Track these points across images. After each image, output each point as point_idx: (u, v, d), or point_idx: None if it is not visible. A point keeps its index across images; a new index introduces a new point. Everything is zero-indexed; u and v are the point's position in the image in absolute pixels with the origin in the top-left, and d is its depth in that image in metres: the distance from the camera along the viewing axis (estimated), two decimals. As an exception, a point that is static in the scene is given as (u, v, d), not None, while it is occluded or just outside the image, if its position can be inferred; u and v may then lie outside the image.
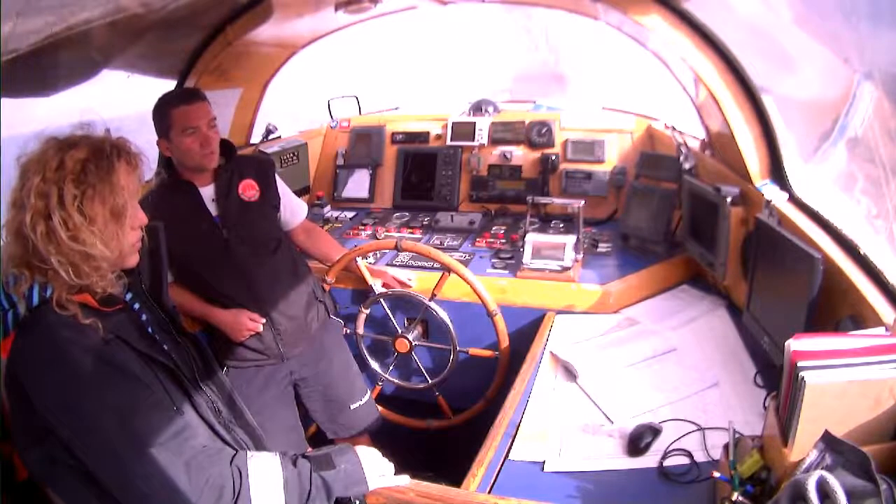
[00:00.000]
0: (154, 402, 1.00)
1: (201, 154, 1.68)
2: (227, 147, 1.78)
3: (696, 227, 1.98)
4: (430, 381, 2.13)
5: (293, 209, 1.99)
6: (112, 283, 1.03)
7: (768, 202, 1.62)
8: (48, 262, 0.95)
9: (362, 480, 1.11)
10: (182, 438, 0.98)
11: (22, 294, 0.96)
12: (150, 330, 1.12)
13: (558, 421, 1.45)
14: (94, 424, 0.94)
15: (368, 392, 2.07)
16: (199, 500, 0.95)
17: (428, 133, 2.87)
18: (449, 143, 2.79)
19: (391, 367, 2.19)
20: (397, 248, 2.06)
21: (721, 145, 1.98)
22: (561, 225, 2.41)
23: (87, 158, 0.98)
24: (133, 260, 1.09)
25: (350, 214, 2.78)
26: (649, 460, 1.29)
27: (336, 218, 2.74)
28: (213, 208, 1.75)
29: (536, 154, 2.66)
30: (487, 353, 2.00)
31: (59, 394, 0.94)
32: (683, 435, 1.34)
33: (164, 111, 1.66)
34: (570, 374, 1.63)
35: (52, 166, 0.96)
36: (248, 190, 1.80)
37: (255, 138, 2.76)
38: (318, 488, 1.05)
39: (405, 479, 1.18)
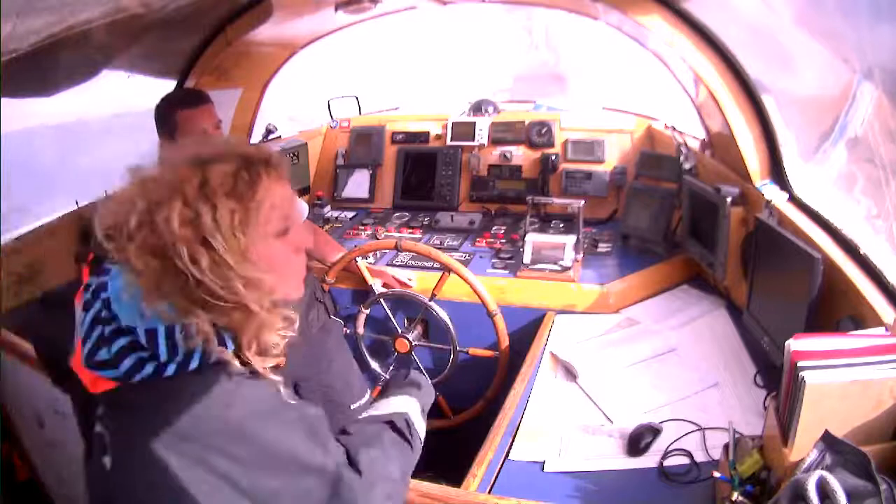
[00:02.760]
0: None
1: None
2: None
3: (696, 227, 1.98)
4: (430, 381, 2.13)
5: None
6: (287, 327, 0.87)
7: (768, 202, 1.62)
8: (224, 300, 0.78)
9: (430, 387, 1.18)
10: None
11: (193, 348, 0.79)
12: None
13: (558, 421, 1.45)
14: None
15: (368, 392, 2.07)
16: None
17: (428, 133, 2.86)
18: (449, 143, 2.78)
19: (391, 368, 2.19)
20: (397, 248, 2.06)
21: (721, 145, 1.98)
22: (561, 225, 2.41)
23: (235, 172, 0.80)
24: (299, 291, 0.91)
25: (350, 214, 2.78)
26: (649, 460, 1.29)
27: (336, 218, 2.74)
28: None
29: (536, 154, 2.66)
30: (487, 353, 2.00)
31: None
32: (683, 435, 1.34)
33: (169, 113, 1.65)
34: (570, 374, 1.63)
35: (195, 185, 0.78)
36: None
37: (255, 138, 2.77)
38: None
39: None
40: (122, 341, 0.80)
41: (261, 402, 0.83)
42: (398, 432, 1.02)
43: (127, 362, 0.79)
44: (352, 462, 0.89)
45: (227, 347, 0.81)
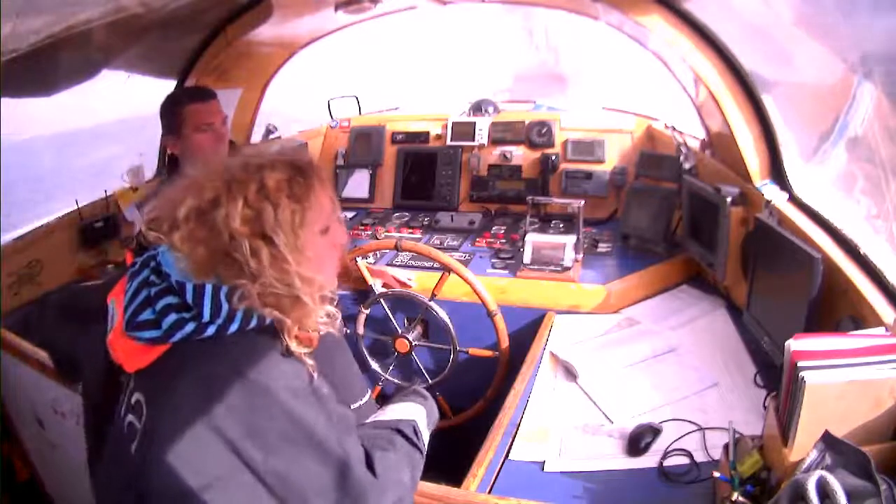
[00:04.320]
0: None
1: (214, 151, 1.68)
2: (230, 147, 1.79)
3: (696, 227, 1.98)
4: (430, 381, 2.13)
5: None
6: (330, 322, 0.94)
7: (768, 202, 1.62)
8: (279, 292, 0.84)
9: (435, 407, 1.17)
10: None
11: (236, 310, 0.83)
12: None
13: (558, 421, 1.45)
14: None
15: (369, 392, 2.06)
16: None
17: (428, 133, 2.86)
18: (449, 143, 2.78)
19: (391, 367, 2.19)
20: (397, 248, 2.06)
21: (721, 145, 1.98)
22: (561, 225, 2.41)
23: (290, 178, 0.88)
24: (335, 283, 1.00)
25: (350, 214, 2.78)
26: (649, 460, 1.29)
27: (336, 218, 2.73)
28: None
29: (536, 154, 2.66)
30: (487, 353, 2.00)
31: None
32: (683, 435, 1.34)
33: (176, 108, 1.66)
34: (570, 374, 1.63)
35: (253, 189, 0.86)
36: None
37: (255, 138, 2.76)
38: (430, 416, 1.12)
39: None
40: (168, 299, 0.84)
41: (295, 378, 0.86)
42: (407, 438, 1.02)
43: (169, 319, 0.82)
44: (368, 464, 0.90)
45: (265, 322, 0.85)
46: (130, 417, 0.88)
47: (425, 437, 1.08)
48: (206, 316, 0.82)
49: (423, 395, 1.16)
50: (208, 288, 0.83)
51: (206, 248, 0.84)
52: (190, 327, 0.82)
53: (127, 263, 0.93)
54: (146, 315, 0.84)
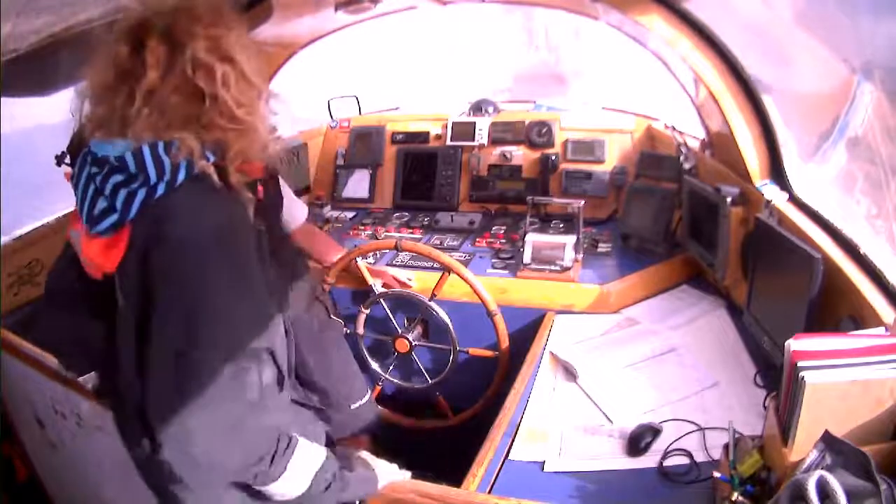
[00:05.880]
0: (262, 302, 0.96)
1: None
2: None
3: (696, 227, 1.98)
4: (430, 381, 2.13)
5: (294, 211, 2.00)
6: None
7: (768, 202, 1.62)
8: (235, 120, 0.88)
9: (373, 481, 1.14)
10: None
11: (177, 163, 0.86)
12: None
13: (558, 421, 1.45)
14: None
15: (369, 392, 2.07)
16: (249, 446, 0.92)
17: (428, 133, 2.86)
18: (449, 143, 2.78)
19: (391, 367, 2.19)
20: (397, 248, 2.06)
21: (721, 145, 1.98)
22: (561, 225, 2.41)
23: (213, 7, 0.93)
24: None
25: (350, 214, 2.77)
26: (649, 460, 1.29)
27: (336, 218, 2.73)
28: None
29: (536, 154, 2.66)
30: (487, 353, 2.00)
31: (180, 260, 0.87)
32: (683, 435, 1.34)
33: None
34: (570, 374, 1.63)
35: (200, 20, 0.88)
36: None
37: (255, 138, 2.76)
38: (336, 486, 1.04)
39: (406, 475, 1.20)
40: (115, 178, 0.87)
41: (234, 216, 0.91)
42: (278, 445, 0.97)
43: (121, 196, 0.86)
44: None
45: (208, 161, 0.89)
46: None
47: (302, 469, 1.00)
48: (153, 176, 0.85)
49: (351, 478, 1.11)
50: (145, 149, 0.85)
51: (179, 96, 0.86)
52: (142, 194, 0.86)
53: (68, 181, 0.97)
54: (101, 205, 0.88)
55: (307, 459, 1.00)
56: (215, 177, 0.89)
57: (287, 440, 0.98)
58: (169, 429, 0.86)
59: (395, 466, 1.20)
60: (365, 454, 1.17)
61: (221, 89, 0.86)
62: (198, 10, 0.90)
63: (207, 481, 0.97)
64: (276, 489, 0.97)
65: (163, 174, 0.85)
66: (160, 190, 0.86)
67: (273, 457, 0.94)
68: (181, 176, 0.86)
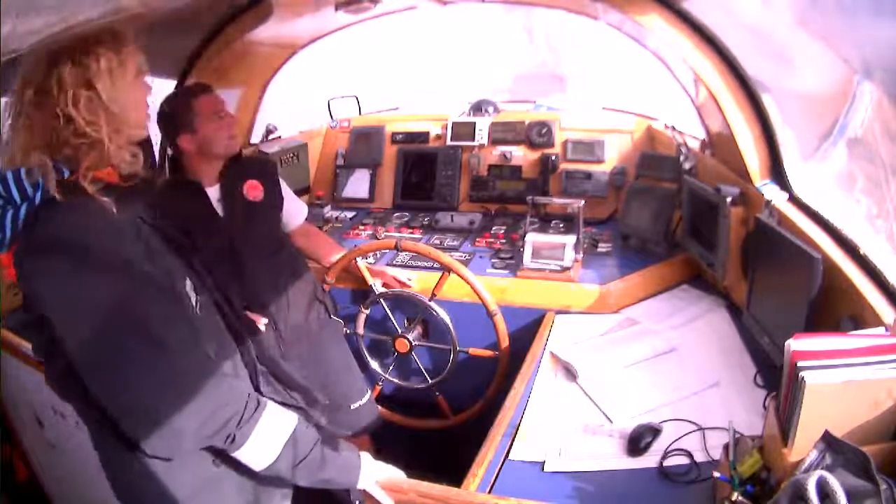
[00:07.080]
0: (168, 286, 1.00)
1: (228, 137, 1.74)
2: None
3: (696, 227, 1.98)
4: (430, 381, 2.13)
5: (293, 211, 2.00)
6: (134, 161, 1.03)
7: (768, 202, 1.62)
8: (85, 136, 0.95)
9: (356, 468, 1.13)
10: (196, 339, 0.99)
11: (36, 182, 0.92)
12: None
13: (558, 421, 1.45)
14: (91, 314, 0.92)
15: (368, 392, 2.08)
16: (207, 411, 0.94)
17: (428, 133, 2.86)
18: (449, 143, 2.78)
19: (391, 367, 2.19)
20: (397, 248, 2.06)
21: (721, 145, 1.98)
22: (561, 225, 2.41)
23: (98, 35, 0.99)
24: (143, 131, 1.08)
25: (350, 214, 2.78)
26: (649, 460, 1.29)
27: (336, 218, 2.74)
28: (218, 208, 1.76)
29: (536, 154, 2.66)
30: (487, 353, 2.00)
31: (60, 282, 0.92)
32: (683, 435, 1.34)
33: (187, 103, 1.71)
34: (570, 374, 1.63)
35: (77, 49, 0.95)
36: (253, 190, 1.82)
37: (255, 138, 2.76)
38: (314, 459, 1.05)
39: (400, 473, 1.20)
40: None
41: (97, 218, 0.96)
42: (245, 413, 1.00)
43: (7, 218, 0.92)
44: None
45: (62, 176, 0.94)
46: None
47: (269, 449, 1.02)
48: (17, 198, 0.91)
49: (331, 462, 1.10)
50: (9, 174, 0.91)
51: (41, 112, 0.94)
52: (9, 217, 0.92)
53: None
54: None
55: (277, 423, 1.02)
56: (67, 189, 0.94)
57: (256, 402, 1.00)
58: (118, 400, 0.92)
59: (392, 468, 1.20)
60: (365, 454, 1.17)
61: (73, 110, 0.94)
62: (85, 35, 0.97)
63: (176, 447, 0.97)
64: (244, 455, 0.99)
65: (25, 196, 0.92)
66: (23, 211, 0.92)
67: (241, 419, 0.97)
68: (38, 195, 0.92)
